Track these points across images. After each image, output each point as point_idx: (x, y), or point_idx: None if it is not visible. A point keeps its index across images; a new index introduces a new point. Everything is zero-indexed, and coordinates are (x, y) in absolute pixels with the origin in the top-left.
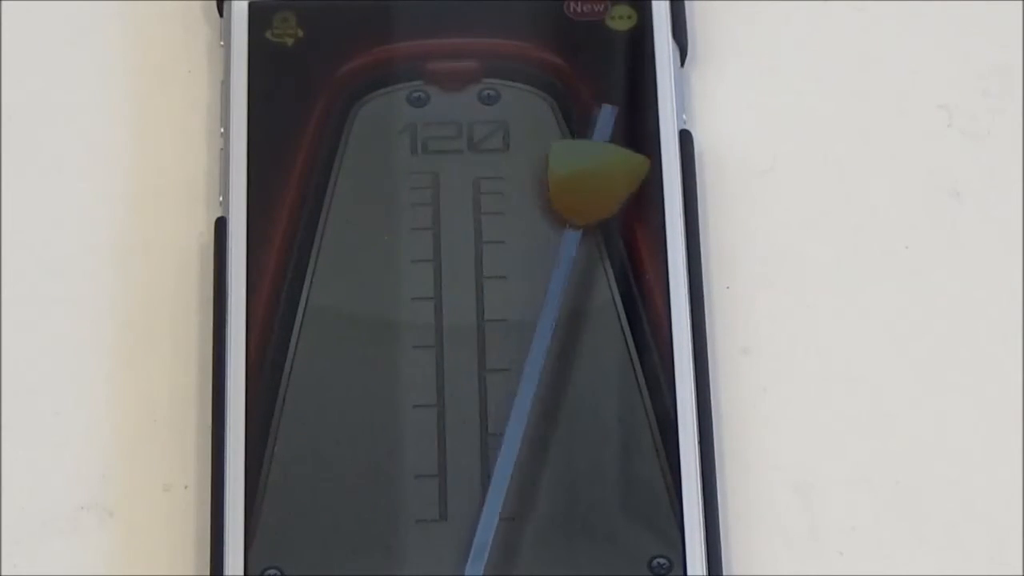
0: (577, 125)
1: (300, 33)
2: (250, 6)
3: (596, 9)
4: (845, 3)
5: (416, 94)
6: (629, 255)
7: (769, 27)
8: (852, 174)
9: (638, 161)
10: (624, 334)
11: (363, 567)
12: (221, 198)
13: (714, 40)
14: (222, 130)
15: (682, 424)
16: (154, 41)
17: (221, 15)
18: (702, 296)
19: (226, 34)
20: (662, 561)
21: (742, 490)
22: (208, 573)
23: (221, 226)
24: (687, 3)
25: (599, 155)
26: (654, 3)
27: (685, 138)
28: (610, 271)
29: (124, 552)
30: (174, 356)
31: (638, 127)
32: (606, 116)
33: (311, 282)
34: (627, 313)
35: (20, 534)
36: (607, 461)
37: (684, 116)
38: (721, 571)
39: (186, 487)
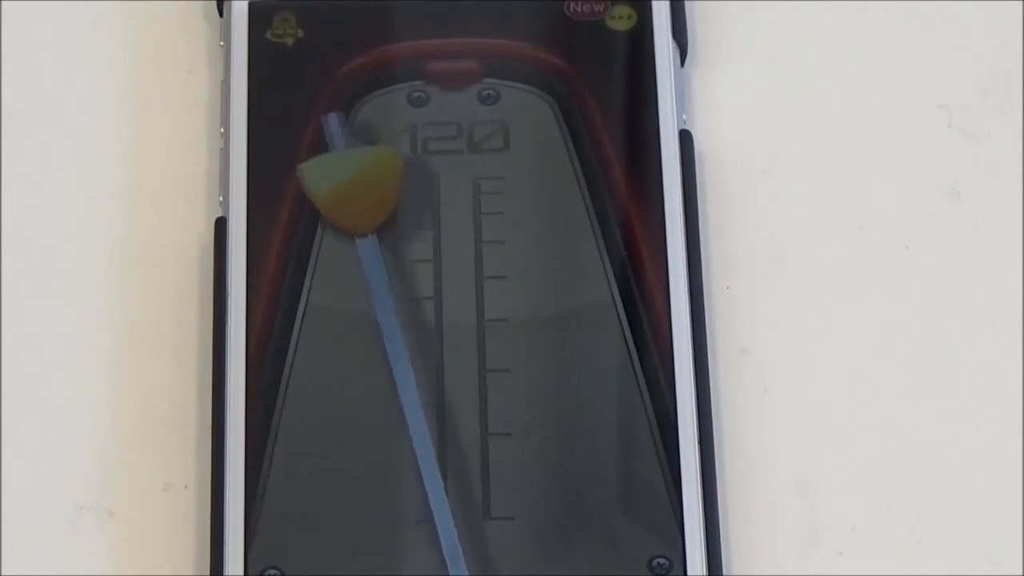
0: (577, 125)
1: (300, 33)
2: (250, 6)
3: (596, 9)
4: (845, 3)
5: (416, 94)
6: (629, 255)
7: (769, 27)
8: (852, 174)
9: (387, 154)
10: (624, 334)
11: (363, 567)
12: (221, 198)
13: (714, 40)
14: (222, 130)
15: (682, 424)
16: (154, 41)
17: (221, 15)
18: (702, 296)
19: (226, 34)
20: (662, 561)
21: (742, 490)
22: (208, 573)
23: (221, 226)
24: (687, 3)
25: (349, 161)
26: (654, 3)
27: (685, 138)
28: (610, 271)
29: (124, 552)
30: (174, 356)
31: (638, 127)
32: (333, 124)
33: (311, 282)
34: (627, 313)
35: (20, 534)
36: (607, 461)
37: (684, 116)
38: (721, 571)
39: (186, 487)
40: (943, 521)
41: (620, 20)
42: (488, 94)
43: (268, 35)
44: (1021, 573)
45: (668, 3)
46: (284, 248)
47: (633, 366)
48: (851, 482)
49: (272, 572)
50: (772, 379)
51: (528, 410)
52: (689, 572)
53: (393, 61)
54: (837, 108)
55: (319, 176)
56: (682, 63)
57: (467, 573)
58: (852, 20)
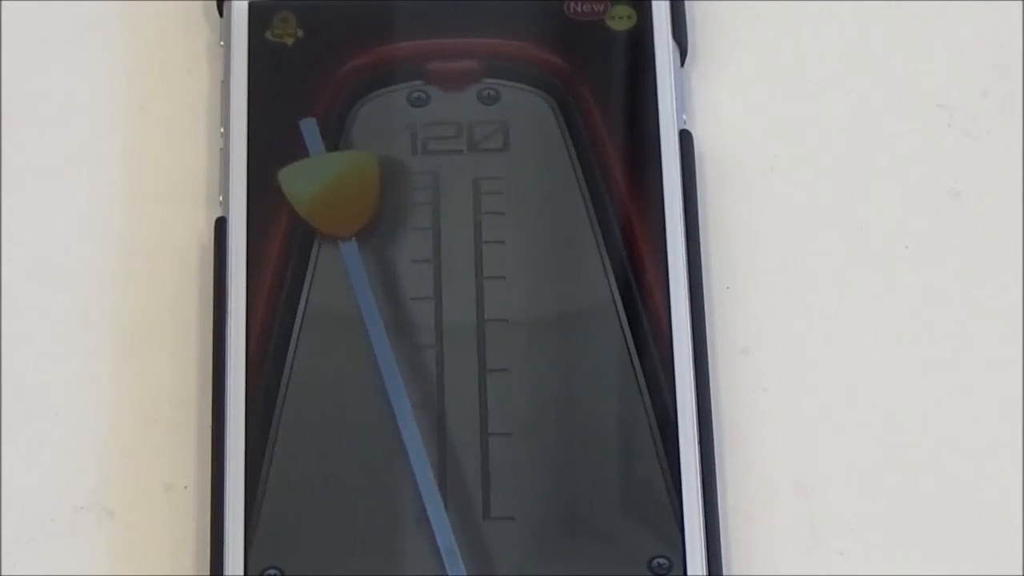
0: (577, 125)
1: (300, 33)
2: (250, 6)
3: (596, 9)
4: (845, 3)
5: (416, 94)
6: (629, 255)
7: (769, 27)
8: (852, 174)
9: (365, 158)
10: (624, 334)
11: (363, 567)
12: (221, 198)
13: (714, 40)
14: (222, 130)
15: (682, 424)
16: (154, 41)
17: (221, 15)
18: (702, 296)
19: (226, 34)
20: (662, 561)
21: (742, 490)
22: (208, 573)
23: (221, 226)
24: (687, 3)
25: (327, 166)
26: (654, 3)
27: (685, 138)
28: (610, 271)
29: (124, 552)
30: (174, 356)
31: (638, 127)
32: (310, 130)
33: (311, 282)
34: (627, 313)
35: (20, 534)
36: (607, 461)
37: (684, 116)
38: (721, 571)
39: (186, 487)
40: (943, 521)
41: (620, 20)
42: (488, 94)
43: (268, 35)
44: (1021, 573)
45: (668, 3)
46: (284, 248)
47: (633, 366)
48: (851, 482)
49: (272, 572)
50: (772, 379)
51: (528, 410)
52: (689, 572)
53: (393, 61)
54: (837, 108)
55: (298, 181)
56: (682, 63)
57: (465, 573)
58: (852, 20)
